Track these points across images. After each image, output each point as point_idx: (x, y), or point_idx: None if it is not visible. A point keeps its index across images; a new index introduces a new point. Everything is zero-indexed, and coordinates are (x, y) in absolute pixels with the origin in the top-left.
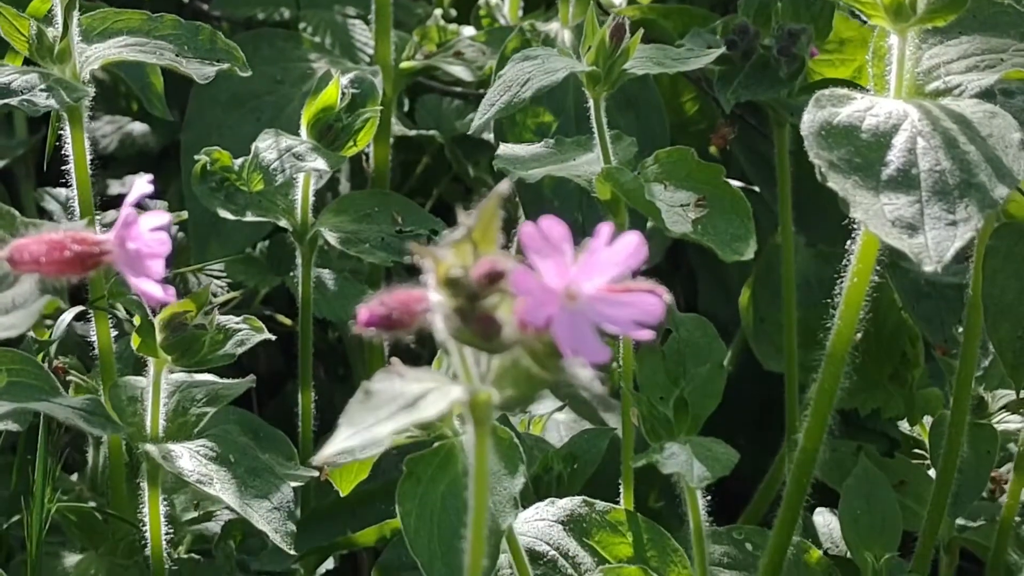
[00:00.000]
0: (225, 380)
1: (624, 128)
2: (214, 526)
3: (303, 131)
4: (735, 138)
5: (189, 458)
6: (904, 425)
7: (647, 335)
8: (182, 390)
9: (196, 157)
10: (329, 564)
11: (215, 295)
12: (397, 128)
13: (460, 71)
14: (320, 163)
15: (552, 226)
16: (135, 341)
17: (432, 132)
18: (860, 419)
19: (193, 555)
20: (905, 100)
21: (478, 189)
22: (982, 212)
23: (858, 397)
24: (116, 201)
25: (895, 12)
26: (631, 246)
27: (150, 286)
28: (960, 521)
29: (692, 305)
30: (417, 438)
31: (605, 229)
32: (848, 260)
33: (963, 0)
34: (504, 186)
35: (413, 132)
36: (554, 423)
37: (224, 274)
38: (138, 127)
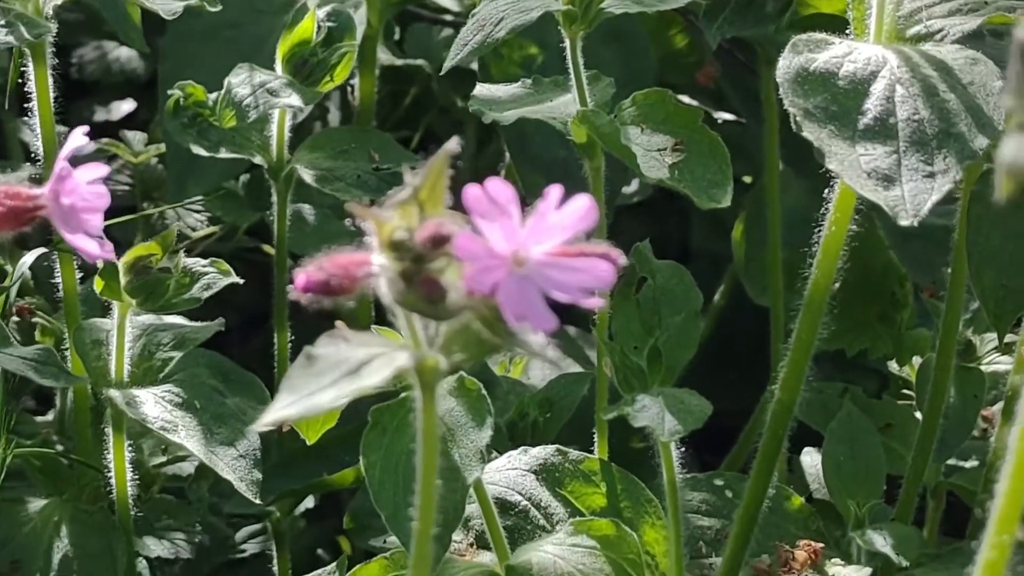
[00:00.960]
0: (193, 323)
1: (609, 63)
2: (188, 466)
3: (278, 66)
4: (725, 74)
5: (153, 404)
6: (893, 365)
7: (596, 303)
8: (148, 333)
9: (169, 92)
10: (309, 503)
11: (194, 230)
12: (385, 58)
13: (447, 1)
14: (294, 99)
15: (499, 188)
16: (98, 284)
17: (420, 62)
18: (848, 358)
19: (165, 496)
20: (885, 45)
21: (468, 121)
22: (961, 163)
23: (845, 337)
24: (103, 128)
25: None
26: (581, 209)
27: (85, 242)
28: (953, 461)
29: (686, 241)
30: (384, 388)
31: (554, 191)
32: (826, 208)
33: None
34: (453, 144)
35: (401, 62)
36: (539, 362)
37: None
38: (124, 52)
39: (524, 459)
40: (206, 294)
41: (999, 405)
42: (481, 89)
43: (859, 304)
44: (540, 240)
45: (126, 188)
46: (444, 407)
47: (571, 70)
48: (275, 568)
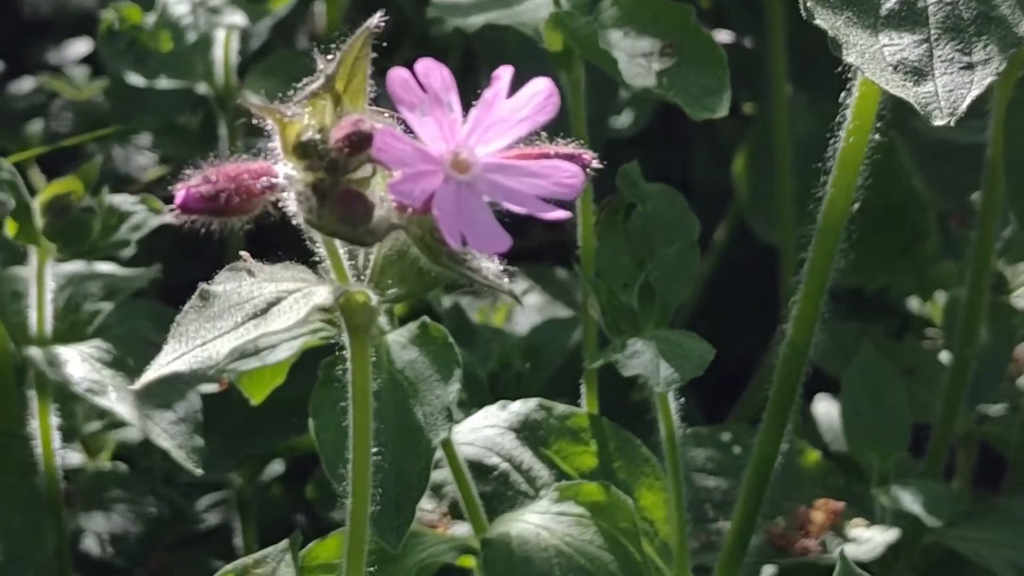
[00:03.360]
0: (126, 270)
1: None
2: (136, 431)
3: None
4: None
5: (80, 362)
6: (914, 303)
7: (560, 215)
8: (75, 283)
9: (103, 14)
10: (279, 467)
11: (144, 170)
12: None
13: None
14: (239, 17)
15: (431, 70)
16: (10, 227)
17: None
18: (866, 296)
19: (117, 464)
20: None
21: (451, 51)
22: (1004, 52)
23: (863, 274)
24: (52, 70)
25: None
26: (539, 95)
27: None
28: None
29: (686, 175)
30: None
31: (504, 73)
32: (842, 116)
33: None
34: (375, 19)
35: None
36: (524, 307)
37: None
38: None
39: (503, 415)
40: (136, 235)
41: None
42: None
43: (878, 236)
44: (487, 137)
45: (69, 127)
46: (405, 357)
47: None
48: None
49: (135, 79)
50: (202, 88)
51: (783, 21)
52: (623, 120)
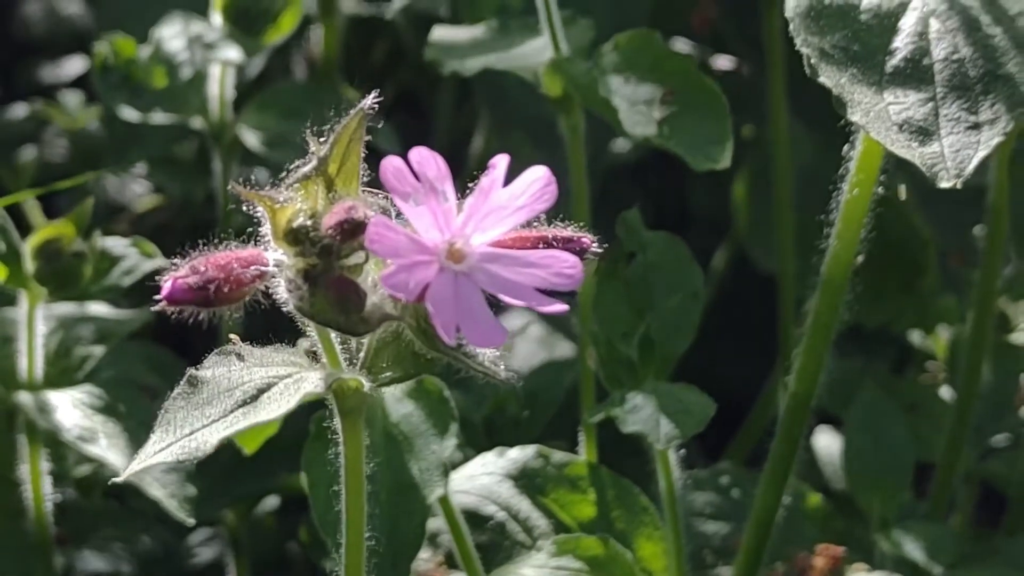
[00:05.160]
0: (118, 313)
1: (596, 7)
2: None
3: (216, 16)
4: (725, 14)
5: (70, 409)
6: (915, 336)
7: (559, 309)
8: (67, 326)
9: (96, 47)
10: (274, 501)
11: (139, 198)
12: (352, 5)
13: None
14: (233, 52)
15: (426, 159)
16: (1, 272)
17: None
18: (866, 329)
19: (110, 502)
20: None
21: (446, 79)
22: (1011, 112)
23: (863, 310)
24: (50, 91)
25: None
26: (538, 183)
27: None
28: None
29: (682, 202)
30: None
31: (501, 162)
32: (846, 168)
33: None
34: (368, 100)
35: (368, 12)
36: (525, 340)
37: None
38: (74, 8)
39: (500, 463)
40: (128, 280)
41: None
42: (440, 33)
43: (878, 272)
44: (483, 226)
45: (63, 155)
46: (400, 411)
47: (542, 10)
48: None
49: (129, 113)
50: (197, 122)
51: (782, 50)
52: (622, 145)
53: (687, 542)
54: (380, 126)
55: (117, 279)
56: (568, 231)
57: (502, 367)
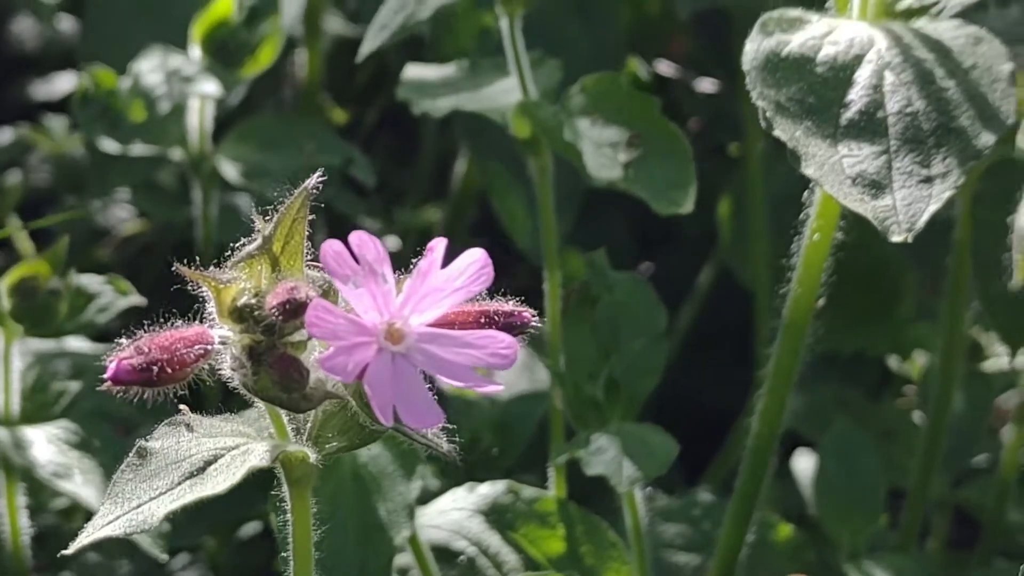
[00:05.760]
0: (95, 347)
1: (572, 35)
2: None
3: (194, 49)
4: (702, 42)
5: (45, 444)
6: (892, 360)
7: (494, 390)
8: (43, 362)
9: (77, 79)
10: (256, 526)
11: (123, 223)
12: (337, 26)
13: None
14: (211, 86)
15: (365, 243)
16: None
17: None
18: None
19: None
20: (871, 23)
21: None
22: (963, 166)
23: (837, 336)
24: (42, 108)
25: None
26: (474, 265)
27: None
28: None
29: (668, 220)
30: None
31: (439, 245)
32: (806, 213)
33: None
34: (313, 180)
35: (354, 33)
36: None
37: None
38: (66, 25)
39: (471, 498)
40: (103, 317)
41: (1010, 393)
42: (411, 72)
43: (853, 299)
44: (422, 307)
45: (47, 179)
46: (369, 452)
47: (509, 54)
48: None
49: (109, 145)
50: (176, 154)
51: None
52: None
53: (657, 575)
54: (354, 156)
55: (92, 316)
56: (509, 306)
57: (444, 440)
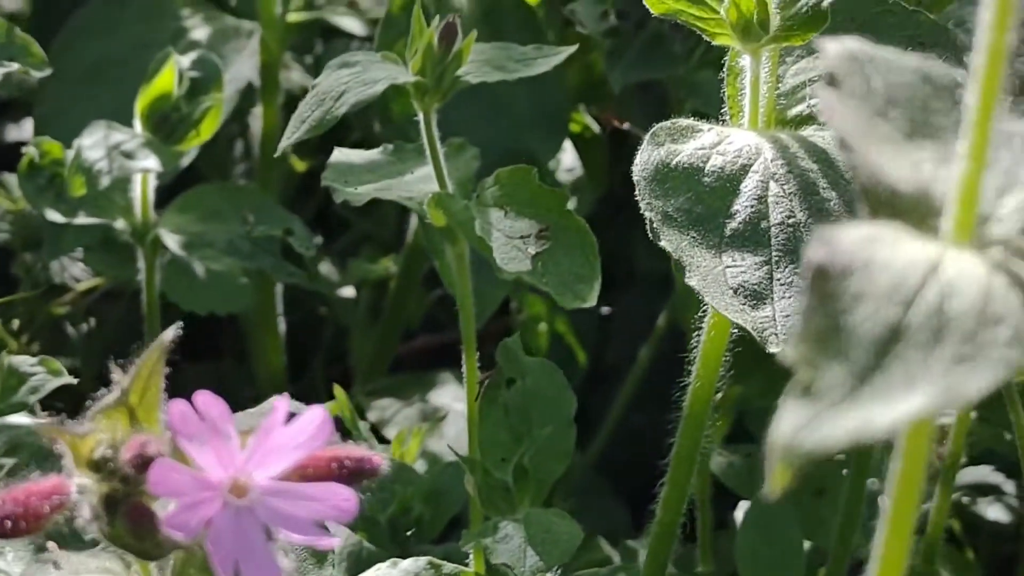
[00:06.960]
0: (33, 421)
1: (514, 98)
2: None
3: (137, 123)
4: (642, 108)
5: None
6: None
7: (330, 544)
8: None
9: (24, 149)
10: None
11: (78, 280)
12: (299, 79)
13: (352, 24)
14: (152, 162)
15: (209, 403)
16: None
17: None
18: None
19: None
20: (760, 132)
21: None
22: None
23: (764, 396)
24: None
25: (743, 31)
26: (313, 423)
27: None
28: None
29: (629, 261)
30: None
31: (281, 405)
32: (703, 310)
33: (823, 16)
34: (170, 333)
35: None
36: (455, 420)
37: None
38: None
39: (393, 573)
40: (34, 398)
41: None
42: (338, 156)
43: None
44: (265, 462)
45: (5, 237)
46: None
47: (426, 147)
48: None
49: (54, 216)
50: (120, 224)
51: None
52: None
53: None
54: (294, 227)
55: (24, 396)
56: (359, 451)
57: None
